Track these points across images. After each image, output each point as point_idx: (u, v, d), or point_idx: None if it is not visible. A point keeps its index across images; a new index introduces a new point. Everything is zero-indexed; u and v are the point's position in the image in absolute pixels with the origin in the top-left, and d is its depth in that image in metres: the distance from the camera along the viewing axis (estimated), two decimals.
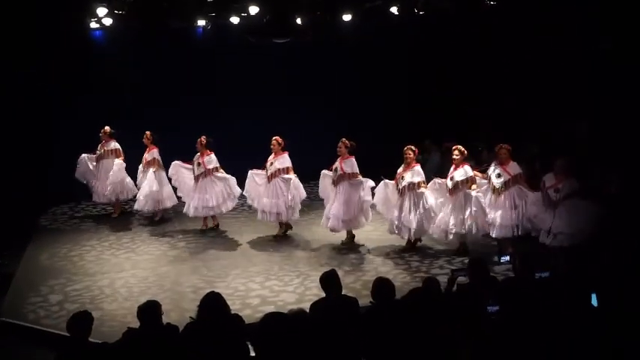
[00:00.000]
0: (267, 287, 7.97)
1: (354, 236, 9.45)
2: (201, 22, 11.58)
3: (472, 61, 12.59)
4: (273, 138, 9.57)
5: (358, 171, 9.12)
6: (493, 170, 8.63)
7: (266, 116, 12.65)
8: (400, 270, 8.44)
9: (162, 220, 10.74)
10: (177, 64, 12.53)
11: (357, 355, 4.64)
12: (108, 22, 10.39)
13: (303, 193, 9.61)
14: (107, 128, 10.85)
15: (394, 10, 11.12)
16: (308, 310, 5.12)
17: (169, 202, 10.60)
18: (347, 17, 11.16)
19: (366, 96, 13.40)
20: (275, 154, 9.53)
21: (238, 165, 9.92)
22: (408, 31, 12.64)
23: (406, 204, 8.79)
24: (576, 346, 4.30)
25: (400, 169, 8.97)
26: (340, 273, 5.76)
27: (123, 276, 8.44)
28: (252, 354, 4.10)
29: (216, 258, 9.07)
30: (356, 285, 7.84)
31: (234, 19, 11.09)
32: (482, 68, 12.45)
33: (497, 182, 8.52)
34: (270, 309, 6.95)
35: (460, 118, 12.67)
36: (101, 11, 9.78)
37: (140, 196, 10.40)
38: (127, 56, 12.23)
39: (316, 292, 6.71)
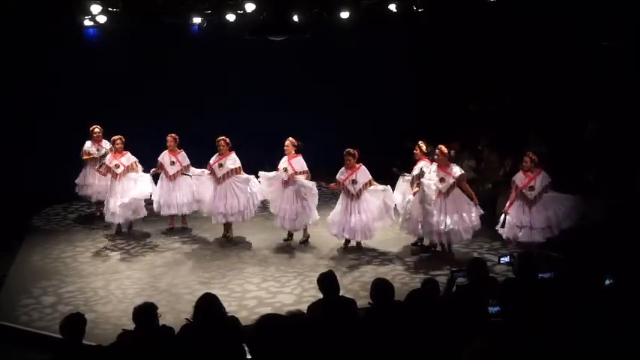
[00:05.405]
0: (264, 288, 7.90)
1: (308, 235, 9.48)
2: (196, 20, 11.47)
3: (473, 58, 12.52)
4: (287, 139, 9.36)
5: (307, 169, 9.22)
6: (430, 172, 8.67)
7: (263, 115, 12.63)
8: (399, 271, 8.37)
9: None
10: (173, 63, 12.43)
11: (356, 357, 4.55)
12: (102, 19, 10.27)
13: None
14: (100, 129, 10.69)
15: (392, 7, 11.04)
16: (305, 312, 5.04)
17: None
18: (345, 15, 11.08)
19: (364, 94, 13.34)
20: (288, 156, 9.35)
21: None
22: (407, 28, 12.61)
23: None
24: (579, 346, 4.24)
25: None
26: (338, 274, 5.71)
27: (117, 277, 8.35)
28: (249, 356, 4.02)
29: (213, 259, 8.97)
30: (354, 286, 7.77)
31: (231, 17, 11.00)
32: (483, 65, 12.38)
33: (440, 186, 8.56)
34: (267, 310, 6.86)
35: (461, 116, 12.63)
36: (95, 9, 9.65)
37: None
38: (121, 54, 12.12)
39: (314, 294, 6.64)
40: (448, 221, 8.46)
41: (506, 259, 6.62)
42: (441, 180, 8.57)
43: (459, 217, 8.52)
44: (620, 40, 10.10)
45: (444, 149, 8.69)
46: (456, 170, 8.68)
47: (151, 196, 9.83)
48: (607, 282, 5.08)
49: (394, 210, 8.94)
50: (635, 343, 4.20)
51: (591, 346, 4.20)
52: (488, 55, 12.29)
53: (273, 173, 9.37)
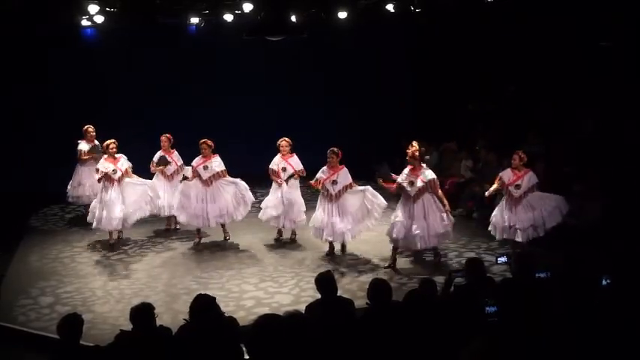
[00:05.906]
0: (261, 289, 7.90)
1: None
2: (194, 20, 11.45)
3: (471, 58, 12.52)
4: (283, 139, 9.39)
5: (303, 167, 9.33)
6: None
7: (261, 115, 12.62)
8: (397, 271, 8.35)
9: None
10: (171, 63, 12.42)
11: (354, 357, 4.55)
12: (99, 19, 10.26)
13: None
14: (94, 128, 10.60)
15: (390, 7, 11.05)
16: (303, 312, 5.03)
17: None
18: (342, 15, 11.08)
19: (361, 94, 13.33)
20: (284, 156, 9.37)
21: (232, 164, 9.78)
22: (404, 28, 12.60)
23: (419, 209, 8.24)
24: (577, 346, 4.24)
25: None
26: (336, 274, 5.71)
27: (115, 278, 8.35)
28: (247, 357, 4.01)
29: (210, 259, 8.97)
30: (352, 286, 7.76)
31: (228, 17, 10.99)
32: (481, 65, 12.38)
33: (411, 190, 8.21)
34: (265, 311, 6.86)
35: (458, 116, 12.62)
36: (93, 9, 9.63)
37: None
38: (119, 54, 12.10)
39: (312, 294, 6.64)
40: (414, 227, 8.11)
41: (504, 259, 6.62)
42: (411, 183, 8.19)
43: (427, 224, 8.15)
44: (618, 41, 10.12)
45: (416, 152, 8.28)
46: (427, 174, 8.22)
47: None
48: (604, 282, 5.09)
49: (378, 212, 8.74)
50: (632, 342, 4.21)
51: (589, 346, 4.20)
52: (487, 55, 12.29)
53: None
